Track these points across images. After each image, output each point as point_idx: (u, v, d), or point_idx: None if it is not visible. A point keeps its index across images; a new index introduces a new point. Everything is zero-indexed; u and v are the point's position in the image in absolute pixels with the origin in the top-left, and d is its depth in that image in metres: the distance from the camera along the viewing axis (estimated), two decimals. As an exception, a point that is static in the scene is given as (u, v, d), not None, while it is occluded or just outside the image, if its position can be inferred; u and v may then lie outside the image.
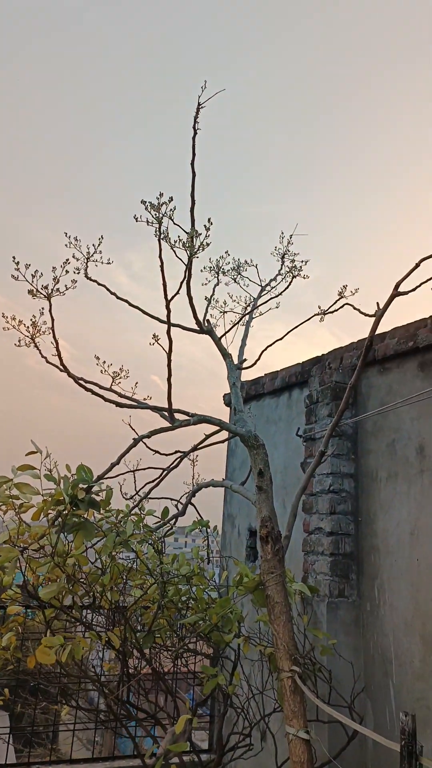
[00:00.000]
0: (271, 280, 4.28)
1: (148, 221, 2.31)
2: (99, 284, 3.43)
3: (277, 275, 4.30)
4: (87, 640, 2.55)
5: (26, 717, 5.04)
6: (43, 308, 3.17)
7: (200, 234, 2.27)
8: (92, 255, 3.38)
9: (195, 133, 2.64)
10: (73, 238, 3.38)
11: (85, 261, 3.42)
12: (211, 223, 2.28)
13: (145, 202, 2.29)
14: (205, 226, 2.29)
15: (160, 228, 2.30)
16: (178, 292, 2.42)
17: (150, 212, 2.28)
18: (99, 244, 3.41)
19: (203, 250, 2.28)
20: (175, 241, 2.30)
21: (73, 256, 3.37)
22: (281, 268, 4.29)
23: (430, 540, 2.86)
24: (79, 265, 3.41)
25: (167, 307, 2.43)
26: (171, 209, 2.28)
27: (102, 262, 3.42)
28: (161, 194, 2.27)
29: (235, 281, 4.27)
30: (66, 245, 3.39)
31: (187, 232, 2.59)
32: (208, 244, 2.27)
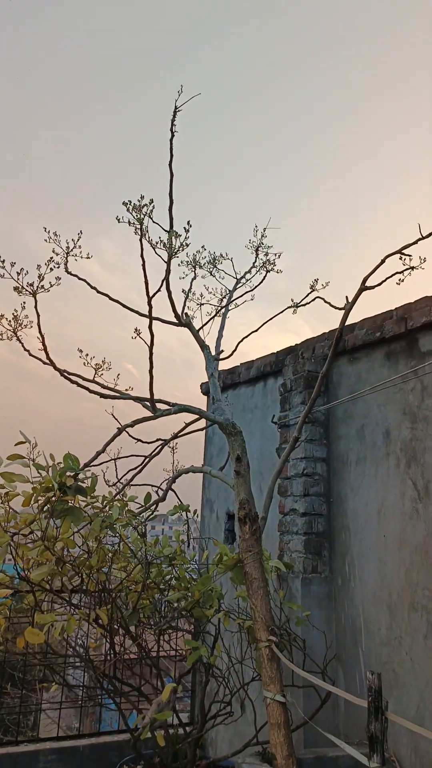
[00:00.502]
0: (246, 273, 4.43)
1: (129, 222, 2.43)
2: (80, 279, 3.52)
3: (251, 268, 4.45)
4: (76, 618, 2.70)
5: (4, 706, 5.16)
6: (24, 302, 3.27)
7: (179, 235, 2.40)
8: (71, 250, 3.48)
9: (172, 135, 2.76)
10: (52, 233, 3.48)
11: (65, 256, 3.52)
12: (190, 226, 2.42)
13: (127, 203, 2.41)
14: (184, 228, 2.42)
15: (141, 229, 2.42)
16: (159, 290, 2.55)
17: (131, 213, 2.40)
18: (78, 239, 3.51)
19: (183, 250, 2.41)
20: (156, 243, 2.42)
21: (53, 251, 3.46)
22: (255, 261, 4.44)
23: (395, 517, 3.08)
24: (58, 260, 3.51)
25: (149, 303, 2.56)
26: (150, 209, 2.40)
27: (81, 257, 3.52)
28: (142, 197, 2.40)
29: (211, 274, 4.40)
30: (45, 240, 3.48)
31: (167, 231, 2.73)
32: (187, 245, 2.41)
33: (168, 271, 2.74)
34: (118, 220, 2.42)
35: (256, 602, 2.88)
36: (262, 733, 2.95)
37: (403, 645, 2.90)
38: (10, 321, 3.33)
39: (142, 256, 2.47)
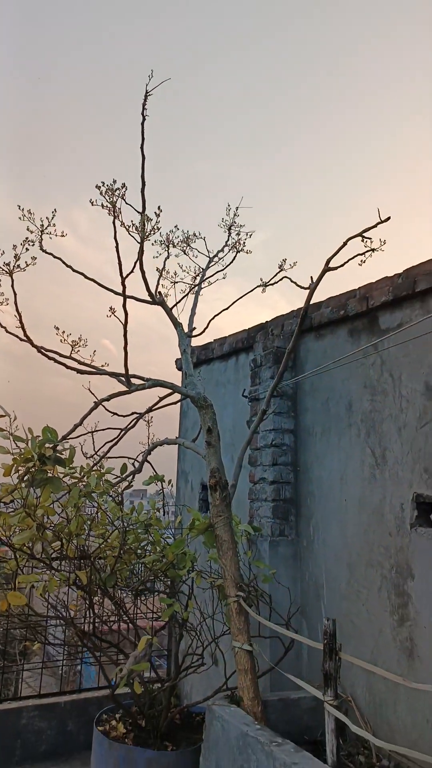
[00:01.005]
0: (218, 252, 4.56)
1: (102, 205, 2.55)
2: (55, 257, 3.62)
3: (224, 247, 4.58)
4: (57, 580, 2.89)
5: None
6: (0, 280, 3.37)
7: (151, 219, 2.53)
8: (46, 228, 3.57)
9: (143, 119, 2.87)
10: (27, 211, 3.56)
11: (40, 234, 3.61)
12: (161, 210, 2.55)
13: (100, 186, 2.52)
14: (155, 213, 2.54)
15: (114, 211, 2.55)
16: (132, 271, 2.69)
17: (104, 196, 2.52)
18: (53, 217, 3.60)
19: (154, 233, 2.54)
20: (129, 226, 2.55)
21: (27, 229, 3.55)
22: (228, 239, 4.58)
23: (355, 484, 3.32)
24: (33, 238, 3.60)
25: (123, 284, 2.70)
26: (123, 192, 2.51)
27: (56, 235, 3.62)
28: (114, 181, 2.51)
29: (185, 253, 4.53)
30: (20, 218, 3.56)
31: (140, 213, 2.85)
32: (158, 229, 2.53)
33: (141, 252, 2.88)
34: (92, 203, 2.54)
35: (225, 562, 3.10)
36: (231, 681, 3.20)
37: (360, 598, 3.16)
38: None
39: (115, 238, 2.60)
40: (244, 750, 2.53)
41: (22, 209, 3.52)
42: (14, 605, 3.07)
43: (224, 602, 3.23)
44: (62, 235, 3.64)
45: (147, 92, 2.80)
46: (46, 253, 3.62)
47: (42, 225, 3.54)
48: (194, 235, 4.54)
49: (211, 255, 4.59)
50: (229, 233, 4.58)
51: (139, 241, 2.78)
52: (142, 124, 2.85)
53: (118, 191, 2.50)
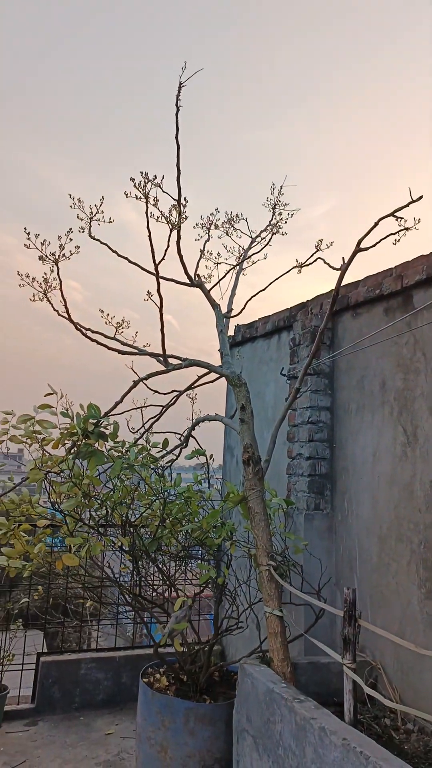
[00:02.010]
0: (261, 231, 4.64)
1: (136, 197, 2.71)
2: (101, 243, 3.83)
3: (267, 226, 4.65)
4: (101, 543, 3.17)
5: (62, 634, 5.86)
6: (53, 267, 3.61)
7: (184, 205, 2.66)
8: (94, 215, 3.78)
9: (177, 110, 2.98)
10: (77, 199, 3.77)
11: (88, 221, 3.82)
12: (187, 201, 2.67)
13: (134, 179, 2.68)
14: (185, 200, 2.66)
15: (147, 203, 2.70)
16: (163, 258, 2.85)
17: (138, 189, 2.68)
18: (101, 204, 3.80)
19: (185, 220, 2.68)
20: (158, 217, 2.70)
21: (78, 217, 3.77)
22: (272, 219, 4.64)
23: (387, 460, 3.38)
24: (83, 225, 3.82)
25: (156, 270, 2.85)
26: (159, 181, 2.65)
27: (104, 221, 3.81)
28: (146, 174, 2.65)
29: (228, 234, 4.63)
30: (70, 206, 3.78)
31: (176, 200, 2.99)
32: (186, 218, 2.66)
33: (178, 236, 3.01)
34: (126, 195, 2.70)
35: (258, 533, 3.27)
36: (265, 644, 3.39)
37: (390, 570, 3.26)
38: (41, 283, 3.70)
39: (148, 227, 2.76)
40: (270, 705, 2.72)
41: (72, 197, 3.74)
42: (70, 565, 3.39)
43: (258, 570, 3.42)
44: (110, 222, 3.84)
45: (181, 83, 2.91)
46: (94, 239, 3.82)
47: (91, 212, 3.76)
48: (237, 216, 4.64)
49: (253, 235, 4.68)
50: (273, 212, 4.64)
51: (176, 225, 2.92)
52: (177, 114, 2.97)
53: (150, 182, 2.64)
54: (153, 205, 2.98)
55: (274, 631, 3.09)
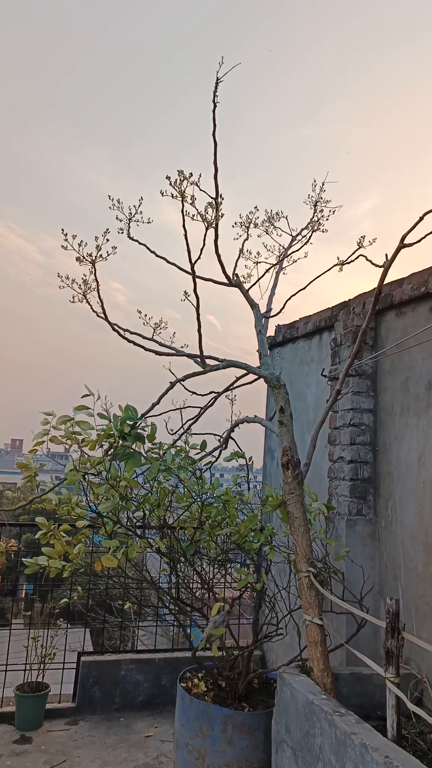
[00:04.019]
0: (302, 229, 4.55)
1: (172, 195, 2.67)
2: (140, 243, 3.83)
3: (308, 224, 4.56)
4: (138, 545, 3.15)
5: (104, 632, 5.91)
6: (92, 269, 3.62)
7: (222, 200, 2.61)
8: (133, 216, 3.78)
9: (215, 106, 2.93)
10: (116, 200, 3.78)
11: (127, 222, 3.82)
12: (223, 199, 2.62)
13: (169, 177, 2.64)
14: (216, 200, 2.61)
15: (183, 201, 2.66)
16: (199, 257, 2.80)
17: (174, 187, 2.64)
18: (139, 205, 3.79)
19: (222, 218, 2.62)
20: (193, 216, 2.65)
21: (116, 218, 3.78)
22: (313, 216, 4.54)
23: (433, 465, 3.24)
24: (122, 226, 3.82)
25: (192, 269, 2.81)
26: (196, 180, 2.61)
27: (143, 222, 3.81)
28: (181, 171, 2.62)
29: (267, 233, 4.56)
30: (110, 208, 3.80)
31: (212, 198, 2.94)
32: (222, 215, 2.61)
33: (216, 236, 2.96)
34: (162, 194, 2.67)
35: (297, 538, 3.19)
36: (306, 652, 3.30)
37: (436, 581, 3.11)
38: (80, 285, 3.73)
39: (184, 226, 2.72)
40: (310, 717, 2.64)
41: (111, 198, 3.76)
42: (109, 567, 3.39)
43: (297, 576, 3.33)
44: (148, 222, 3.84)
45: (218, 79, 2.86)
46: (133, 240, 3.82)
47: (130, 213, 3.76)
48: (277, 214, 4.56)
49: (294, 233, 4.59)
50: (315, 210, 4.54)
51: (211, 226, 2.87)
52: (213, 111, 2.92)
53: (186, 180, 2.60)
54: (190, 203, 2.94)
55: (314, 640, 3.00)
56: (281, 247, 4.58)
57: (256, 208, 4.11)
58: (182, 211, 2.67)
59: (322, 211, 4.50)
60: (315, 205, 4.56)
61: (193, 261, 2.75)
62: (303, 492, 3.24)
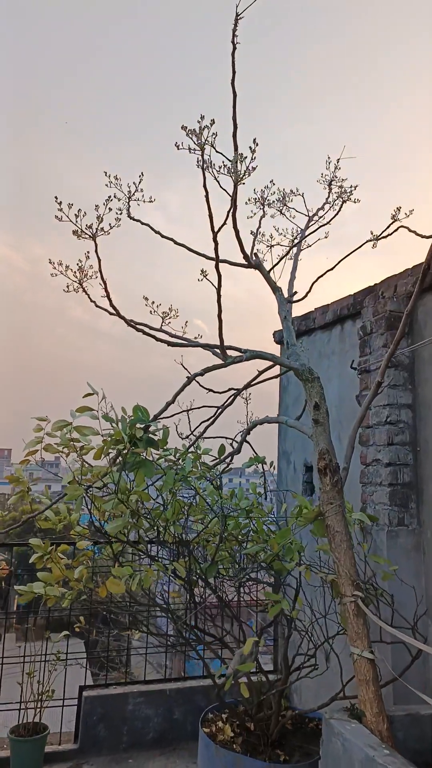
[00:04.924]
0: (318, 209, 4.10)
1: (189, 148, 2.21)
2: (143, 224, 3.38)
3: (324, 204, 4.11)
4: (154, 570, 2.66)
5: (100, 644, 5.42)
6: (88, 252, 3.15)
7: (245, 157, 2.15)
8: (134, 194, 3.32)
9: (234, 49, 2.47)
10: (113, 177, 3.32)
11: (127, 200, 3.36)
12: (257, 144, 2.15)
13: (186, 127, 2.18)
14: (250, 147, 2.15)
15: (203, 155, 2.19)
16: (224, 223, 2.33)
17: (191, 138, 2.17)
18: (140, 182, 3.34)
19: (249, 175, 2.16)
20: (219, 167, 2.18)
21: (114, 196, 3.32)
22: (329, 196, 4.10)
23: None
24: (121, 205, 3.36)
25: (214, 239, 2.35)
26: (213, 134, 2.15)
27: (144, 201, 3.35)
28: (202, 117, 2.15)
29: (281, 213, 4.11)
30: (107, 185, 3.33)
31: (230, 160, 2.47)
32: (254, 168, 2.14)
33: (234, 203, 2.48)
34: (177, 146, 2.20)
35: (339, 556, 2.72)
36: (349, 687, 2.84)
37: None
38: (75, 272, 3.25)
39: (204, 186, 2.25)
40: (371, 777, 2.17)
41: (109, 175, 3.30)
42: (115, 593, 2.91)
43: (338, 600, 2.87)
44: (150, 201, 3.39)
45: (237, 15, 2.41)
46: (134, 220, 3.38)
47: (129, 191, 3.31)
48: (291, 192, 4.12)
49: (310, 213, 4.15)
50: (330, 188, 4.10)
51: (232, 190, 2.40)
52: (233, 54, 2.46)
53: (206, 129, 2.13)
54: (204, 165, 2.44)
55: (365, 677, 2.53)
56: (295, 230, 4.14)
57: (272, 181, 3.66)
58: (201, 168, 2.20)
59: (341, 187, 4.06)
60: (330, 184, 4.12)
61: (216, 229, 2.28)
62: (344, 502, 2.78)
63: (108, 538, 2.75)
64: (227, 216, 2.31)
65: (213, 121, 2.13)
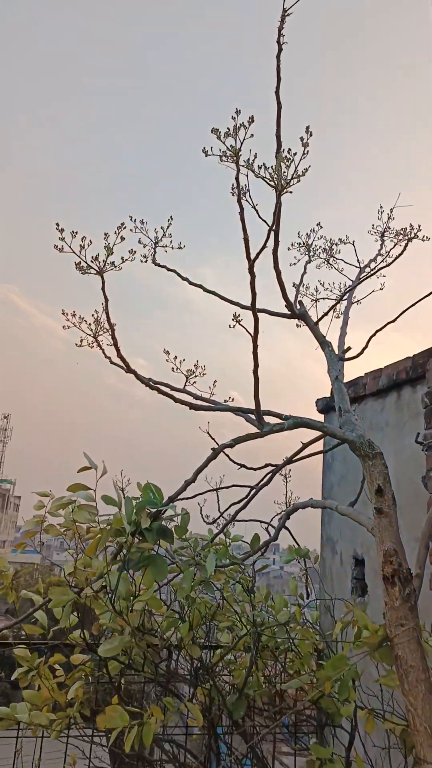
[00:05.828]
0: (371, 261, 3.61)
1: (220, 158, 1.73)
2: (169, 269, 2.99)
3: (377, 255, 3.62)
4: (161, 711, 1.96)
5: None
6: (103, 303, 2.69)
7: (292, 159, 1.64)
8: (161, 239, 2.93)
9: (280, 50, 2.04)
10: (138, 221, 2.93)
11: (153, 246, 2.97)
12: (311, 134, 1.65)
13: (217, 130, 1.71)
14: (302, 137, 1.64)
15: (237, 162, 1.71)
16: (264, 246, 1.80)
17: (222, 141, 1.70)
18: (168, 226, 2.96)
19: (299, 181, 1.65)
20: (261, 166, 1.68)
21: (139, 242, 2.94)
22: (381, 248, 3.61)
23: None
24: (146, 252, 2.98)
25: (251, 271, 1.82)
26: (249, 134, 1.66)
27: (172, 247, 2.95)
28: (238, 111, 1.68)
29: (328, 263, 3.63)
30: (131, 230, 2.93)
31: (275, 159, 1.97)
32: (305, 171, 1.63)
33: (277, 221, 1.91)
34: (206, 153, 1.73)
35: (415, 702, 1.96)
36: None
37: None
38: (90, 324, 2.80)
39: (239, 201, 1.74)
40: None
41: (134, 219, 2.91)
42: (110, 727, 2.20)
43: (411, 758, 2.08)
44: (180, 248, 3.01)
45: (285, 10, 1.99)
46: (159, 266, 2.99)
47: (156, 236, 2.93)
48: (340, 240, 3.64)
49: (362, 265, 3.65)
50: (382, 240, 3.62)
51: (274, 210, 1.88)
52: (278, 56, 2.03)
53: (242, 128, 1.64)
54: (238, 171, 1.90)
55: None
56: (344, 283, 3.63)
57: (318, 224, 3.19)
58: (236, 179, 1.71)
59: (394, 242, 3.56)
60: (382, 236, 3.64)
61: (252, 257, 1.75)
62: (419, 624, 2.06)
63: (102, 660, 2.08)
64: (263, 247, 1.77)
65: (252, 118, 1.66)
